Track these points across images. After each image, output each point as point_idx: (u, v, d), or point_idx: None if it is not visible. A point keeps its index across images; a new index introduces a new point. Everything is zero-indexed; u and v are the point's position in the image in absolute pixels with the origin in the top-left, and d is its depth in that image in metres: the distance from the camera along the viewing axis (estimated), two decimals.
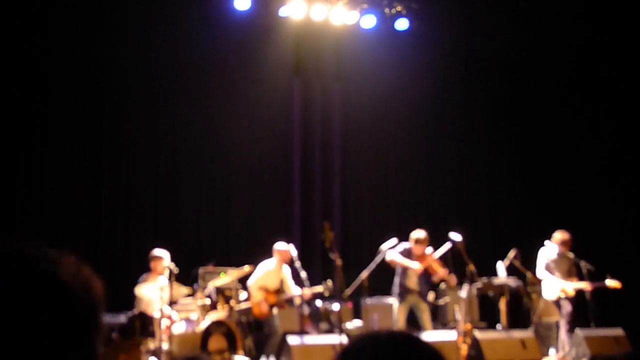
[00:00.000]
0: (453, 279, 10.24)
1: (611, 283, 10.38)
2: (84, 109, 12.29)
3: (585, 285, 10.40)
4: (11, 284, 1.14)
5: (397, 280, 10.39)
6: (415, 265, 10.15)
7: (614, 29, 14.01)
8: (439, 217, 13.86)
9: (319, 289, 10.37)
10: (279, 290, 10.59)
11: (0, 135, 11.36)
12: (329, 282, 10.22)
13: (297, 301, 10.51)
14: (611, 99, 14.49)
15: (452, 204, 14.40)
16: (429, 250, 10.35)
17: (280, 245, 10.66)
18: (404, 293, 10.26)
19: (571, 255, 10.65)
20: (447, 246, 10.32)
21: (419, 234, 10.32)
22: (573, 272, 10.64)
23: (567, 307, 10.31)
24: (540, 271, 10.64)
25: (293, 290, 10.62)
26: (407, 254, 10.28)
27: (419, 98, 14.37)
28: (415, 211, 14.23)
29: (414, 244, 10.28)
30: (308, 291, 10.37)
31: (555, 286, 10.42)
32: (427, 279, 10.42)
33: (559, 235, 10.69)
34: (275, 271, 10.61)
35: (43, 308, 1.15)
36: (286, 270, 10.76)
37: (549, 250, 10.70)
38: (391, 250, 10.30)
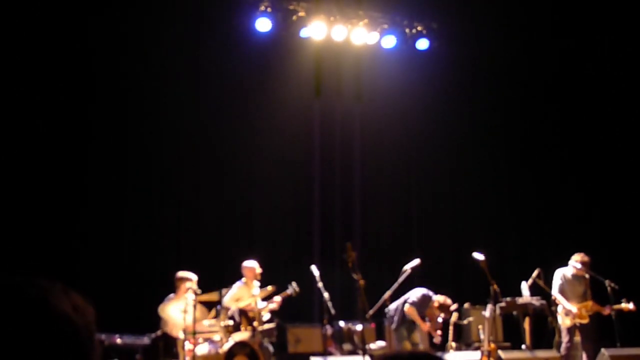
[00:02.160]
0: (438, 338, 10.41)
1: (626, 306, 10.29)
2: (107, 129, 12.40)
3: (599, 309, 10.34)
4: (1, 312, 1.15)
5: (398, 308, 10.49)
6: (424, 327, 10.44)
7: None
8: (462, 237, 13.80)
9: (287, 292, 10.33)
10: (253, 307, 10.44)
11: (25, 153, 11.46)
12: (294, 284, 10.24)
13: (267, 312, 10.43)
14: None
15: (475, 224, 14.32)
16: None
17: (247, 263, 10.60)
18: (403, 323, 10.41)
19: (587, 276, 10.59)
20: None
21: (447, 300, 10.49)
22: (589, 294, 10.56)
23: (565, 338, 10.34)
24: (555, 292, 10.59)
25: (260, 304, 10.51)
26: (424, 304, 10.41)
27: (440, 117, 14.36)
28: (437, 231, 14.18)
29: (437, 307, 10.42)
30: (278, 298, 10.35)
31: (569, 313, 10.38)
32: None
33: (577, 257, 10.64)
34: (246, 288, 10.46)
35: (35, 333, 1.15)
36: (256, 286, 10.68)
37: (565, 271, 10.64)
38: (412, 304, 10.40)
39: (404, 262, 10.40)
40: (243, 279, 10.53)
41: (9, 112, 11.38)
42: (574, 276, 10.60)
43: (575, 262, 10.60)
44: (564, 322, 10.49)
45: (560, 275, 10.62)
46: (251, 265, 10.55)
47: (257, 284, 10.62)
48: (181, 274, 9.77)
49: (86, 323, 1.24)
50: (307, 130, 13.91)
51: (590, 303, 10.43)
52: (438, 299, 10.45)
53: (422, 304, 10.40)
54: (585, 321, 10.34)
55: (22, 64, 11.54)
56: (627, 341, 10.26)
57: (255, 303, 10.37)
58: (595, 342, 10.27)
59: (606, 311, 10.34)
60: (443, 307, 10.39)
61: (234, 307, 10.07)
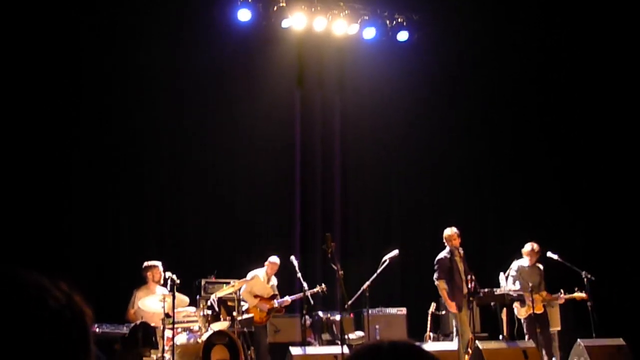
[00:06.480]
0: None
1: (579, 295, 10.42)
2: (90, 120, 12.33)
3: (553, 299, 10.46)
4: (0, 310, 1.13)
5: (448, 287, 10.37)
6: (452, 309, 10.27)
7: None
8: (442, 228, 13.83)
9: (315, 290, 10.57)
10: (274, 297, 10.79)
11: (7, 143, 11.36)
12: (323, 286, 10.59)
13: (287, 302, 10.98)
14: (622, 115, 14.30)
15: (455, 215, 14.34)
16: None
17: (274, 258, 10.96)
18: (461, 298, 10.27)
19: (541, 267, 10.68)
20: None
21: (445, 232, 10.55)
22: (543, 285, 10.63)
23: (527, 330, 10.44)
24: (510, 285, 10.64)
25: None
26: (449, 259, 10.39)
27: (420, 108, 14.38)
28: (417, 221, 14.23)
29: (447, 240, 10.49)
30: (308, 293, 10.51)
31: (523, 305, 10.45)
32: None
33: (528, 247, 10.68)
34: (264, 280, 10.82)
35: (33, 334, 1.13)
36: (274, 281, 11.18)
37: (522, 262, 10.70)
38: (437, 278, 10.37)
39: (384, 252, 10.41)
40: (262, 270, 10.96)
41: None
42: (530, 267, 10.67)
43: (527, 251, 10.67)
44: (519, 313, 10.57)
45: (516, 267, 10.69)
46: (277, 261, 11.04)
47: (274, 279, 11.19)
48: (147, 263, 9.88)
49: (82, 326, 1.23)
50: (288, 120, 13.90)
51: (544, 293, 10.53)
52: (445, 233, 10.52)
53: (441, 264, 10.40)
54: (540, 311, 10.45)
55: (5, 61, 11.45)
56: (602, 332, 10.38)
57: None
58: (548, 331, 10.49)
59: (561, 300, 10.48)
60: (449, 239, 10.47)
61: (250, 299, 10.75)
